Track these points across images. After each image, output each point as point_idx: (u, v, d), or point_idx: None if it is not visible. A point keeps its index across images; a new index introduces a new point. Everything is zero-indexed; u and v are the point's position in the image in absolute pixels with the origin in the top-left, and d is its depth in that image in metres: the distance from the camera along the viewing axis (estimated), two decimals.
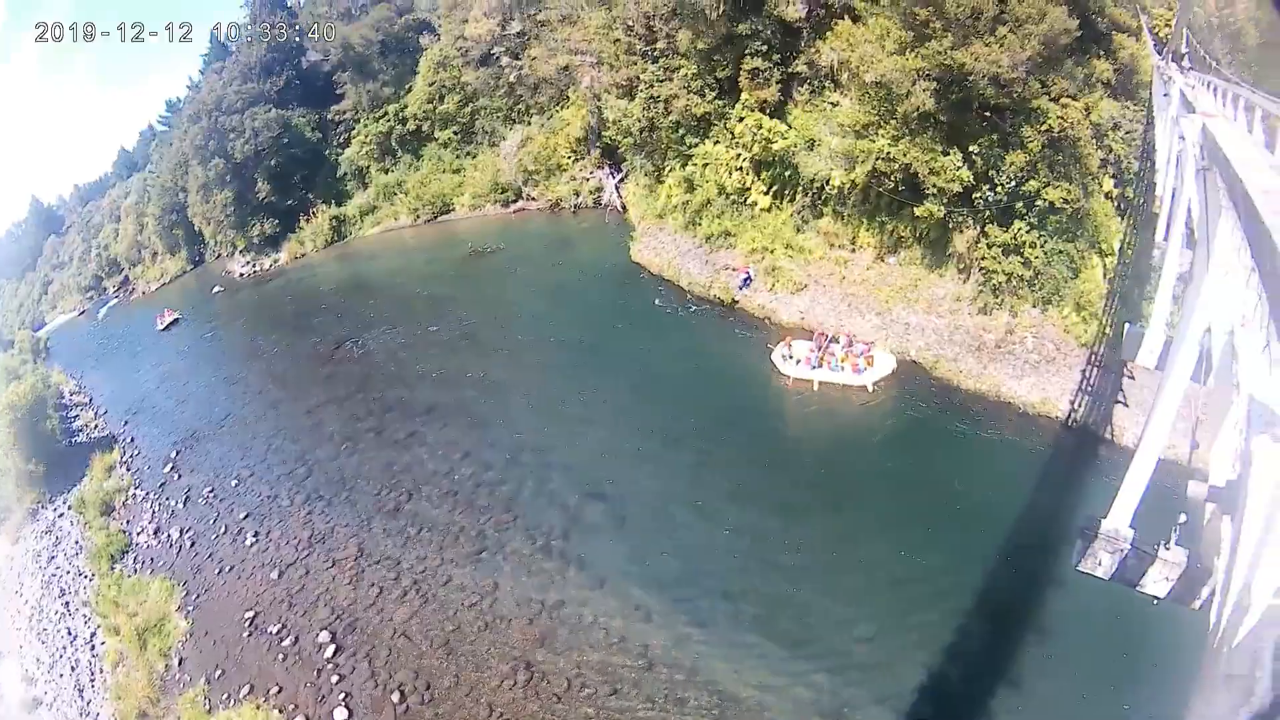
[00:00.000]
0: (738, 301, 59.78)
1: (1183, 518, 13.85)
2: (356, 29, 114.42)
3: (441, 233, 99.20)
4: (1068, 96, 49.34)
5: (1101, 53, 52.66)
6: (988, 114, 50.33)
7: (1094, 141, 49.90)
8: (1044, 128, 48.28)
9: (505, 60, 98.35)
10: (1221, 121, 21.64)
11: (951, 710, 30.82)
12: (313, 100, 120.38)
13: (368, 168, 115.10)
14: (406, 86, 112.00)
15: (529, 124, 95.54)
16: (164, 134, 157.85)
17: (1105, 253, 50.43)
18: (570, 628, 38.78)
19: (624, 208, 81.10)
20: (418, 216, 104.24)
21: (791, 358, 51.45)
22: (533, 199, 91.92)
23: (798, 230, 60.15)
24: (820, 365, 50.38)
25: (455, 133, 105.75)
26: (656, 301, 63.47)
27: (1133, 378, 42.04)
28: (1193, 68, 42.26)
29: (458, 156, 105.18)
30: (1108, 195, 51.41)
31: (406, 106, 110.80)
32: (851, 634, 34.29)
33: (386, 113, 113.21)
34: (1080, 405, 44.16)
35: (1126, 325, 35.16)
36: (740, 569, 39.02)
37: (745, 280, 59.93)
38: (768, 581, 37.90)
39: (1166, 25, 54.15)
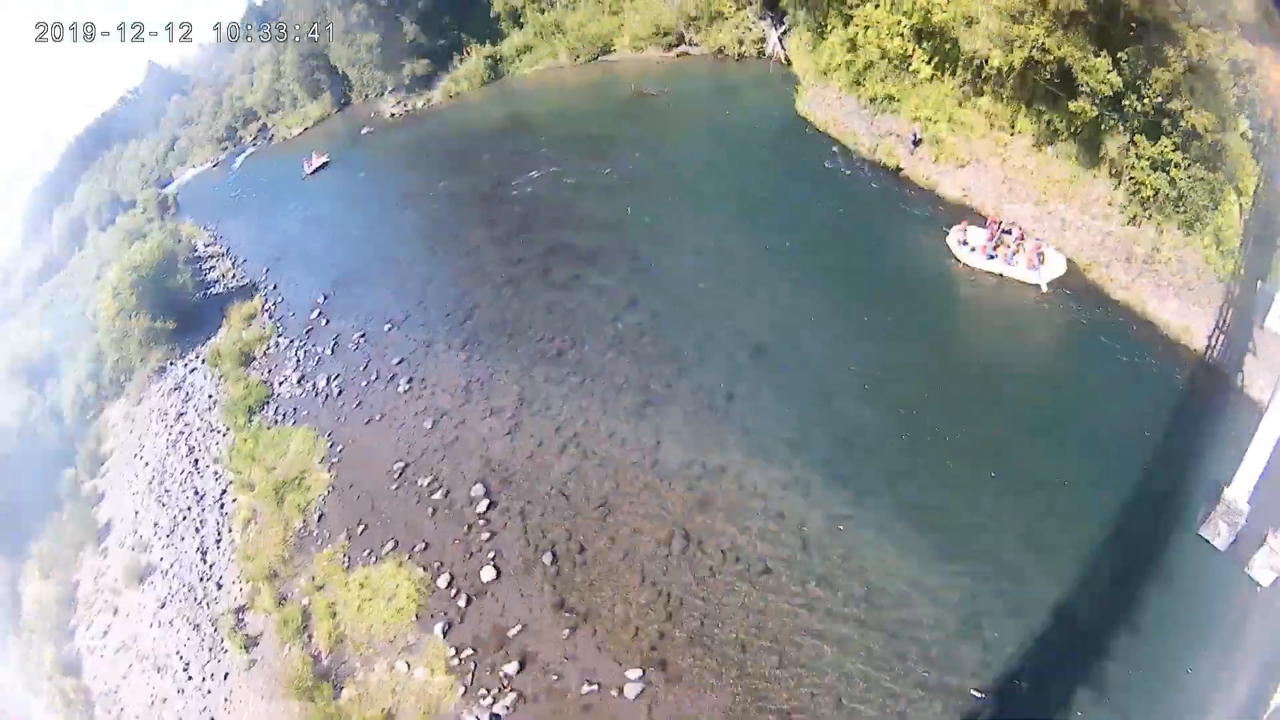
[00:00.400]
0: (902, 169, 58.70)
1: None
2: None
3: (603, 72, 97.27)
4: (1205, 27, 46.72)
5: None
6: (1134, 25, 48.28)
7: (1230, 77, 47.27)
8: (1184, 51, 46.09)
9: None
10: None
11: (1077, 639, 30.16)
12: None
13: (523, 8, 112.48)
14: None
15: None
16: None
17: (1241, 192, 48.03)
18: (729, 496, 39.24)
19: (787, 60, 79.52)
20: (577, 57, 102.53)
21: (967, 244, 50.42)
22: (695, 44, 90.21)
23: (959, 104, 58.69)
24: (995, 256, 49.41)
25: None
26: (827, 164, 61.71)
27: (1263, 328, 39.84)
28: None
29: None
30: (1243, 135, 48.50)
31: None
32: (996, 545, 33.76)
33: None
34: (1216, 344, 42.72)
35: (1260, 283, 34.64)
36: (899, 459, 38.55)
37: (915, 140, 58.87)
38: (924, 476, 37.46)
39: None
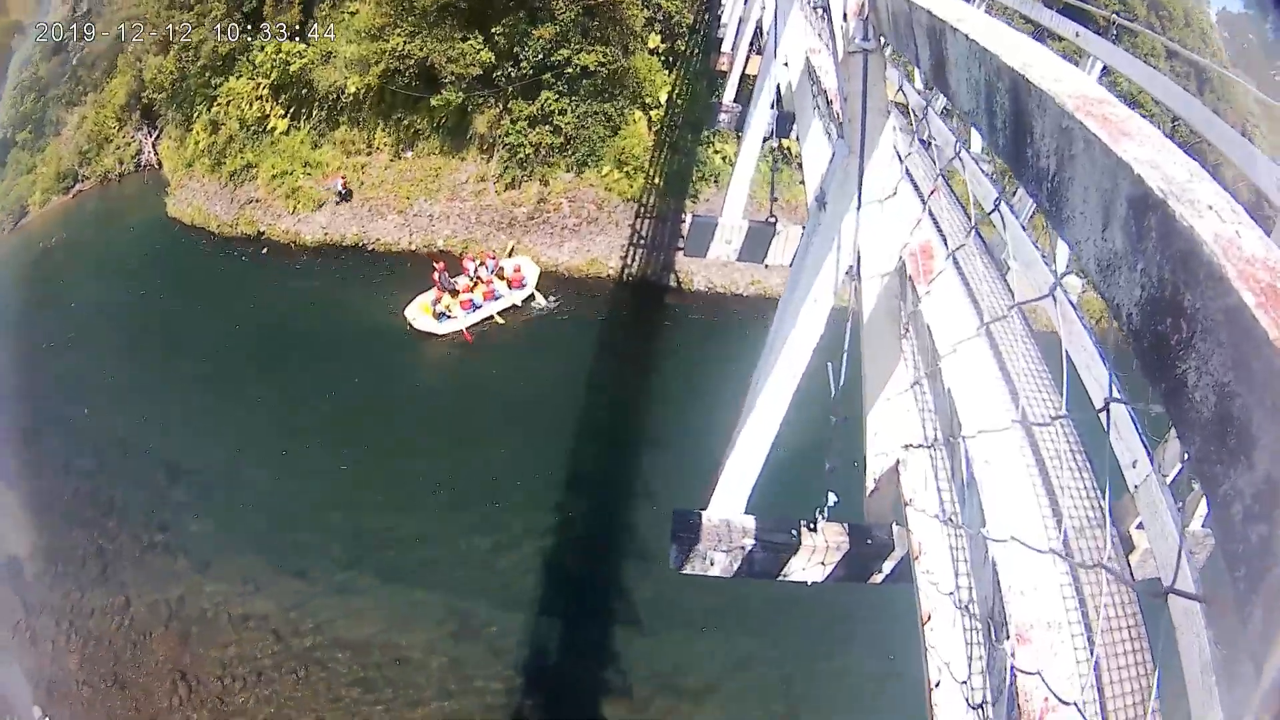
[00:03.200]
0: (263, 232, 55.79)
1: (832, 498, 11.50)
2: None
3: (21, 238, 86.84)
4: None
5: None
6: None
7: (639, 1, 49.34)
8: None
9: (72, 43, 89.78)
10: None
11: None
12: None
13: None
14: None
15: (85, 104, 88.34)
16: None
17: (650, 106, 50.19)
18: (200, 622, 37.07)
19: (160, 164, 75.96)
20: (2, 229, 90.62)
21: (448, 315, 44.22)
22: (87, 179, 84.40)
23: (315, 146, 57.03)
24: (481, 304, 44.38)
25: (30, 131, 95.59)
26: (193, 258, 58.88)
27: (685, 220, 38.87)
28: None
29: (31, 154, 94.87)
30: (653, 51, 51.01)
31: None
32: (458, 568, 34.68)
33: None
34: (634, 259, 45.04)
35: (690, 216, 32.89)
36: (335, 526, 38.37)
37: (341, 194, 54.27)
38: (368, 530, 37.67)
39: None
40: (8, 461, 51.64)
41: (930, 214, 12.33)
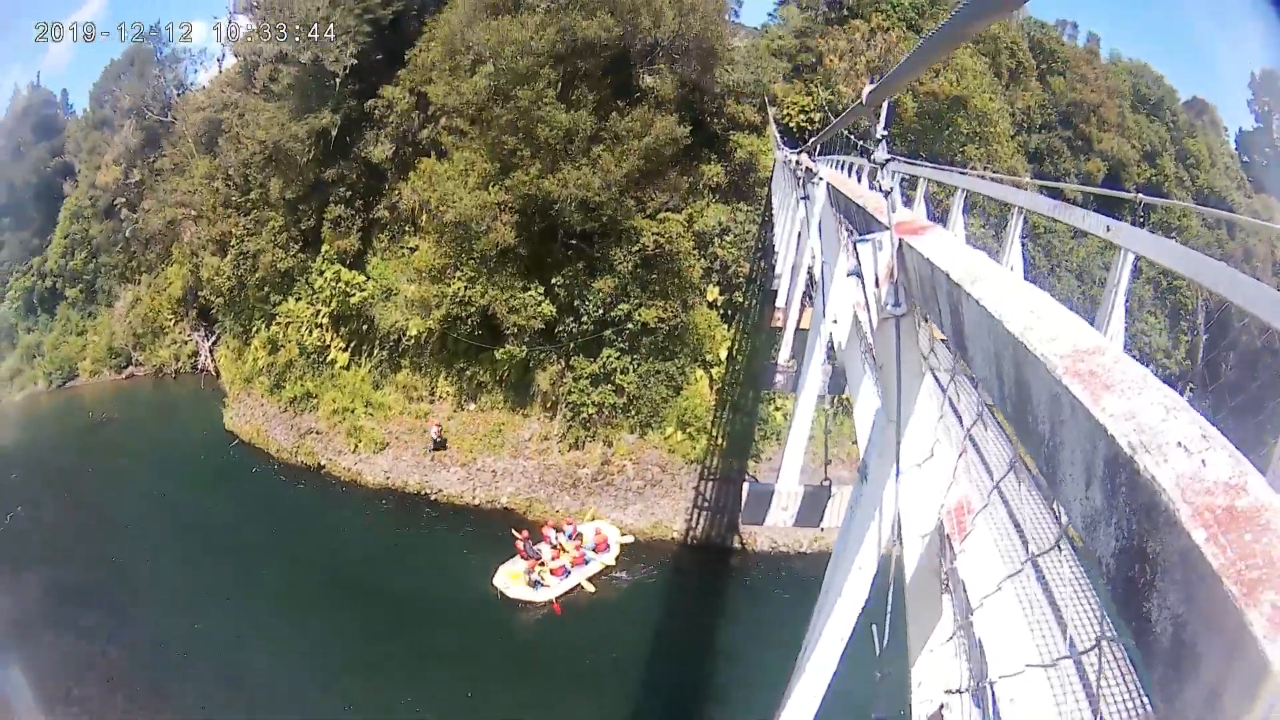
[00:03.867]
0: (324, 466, 54.56)
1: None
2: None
3: (68, 398, 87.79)
4: (668, 210, 48.29)
5: (713, 156, 51.84)
6: (573, 241, 48.90)
7: (696, 252, 49.33)
8: (636, 248, 47.11)
9: (124, 213, 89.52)
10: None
11: None
12: None
13: (16, 325, 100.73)
14: (49, 238, 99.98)
15: (139, 283, 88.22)
16: None
17: (711, 363, 50.01)
18: None
19: (217, 372, 75.21)
20: (51, 382, 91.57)
21: (541, 583, 42.70)
22: (140, 364, 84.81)
23: (376, 386, 56.72)
24: (571, 570, 43.07)
25: (81, 291, 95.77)
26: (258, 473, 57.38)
27: (756, 480, 41.07)
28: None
29: (83, 317, 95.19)
30: (712, 304, 51.01)
31: (47, 260, 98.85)
32: None
33: (32, 266, 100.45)
34: (699, 522, 44.63)
35: (746, 484, 33.39)
36: None
37: (436, 442, 52.73)
38: None
39: (803, 113, 54.52)
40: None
41: (974, 446, 13.61)
